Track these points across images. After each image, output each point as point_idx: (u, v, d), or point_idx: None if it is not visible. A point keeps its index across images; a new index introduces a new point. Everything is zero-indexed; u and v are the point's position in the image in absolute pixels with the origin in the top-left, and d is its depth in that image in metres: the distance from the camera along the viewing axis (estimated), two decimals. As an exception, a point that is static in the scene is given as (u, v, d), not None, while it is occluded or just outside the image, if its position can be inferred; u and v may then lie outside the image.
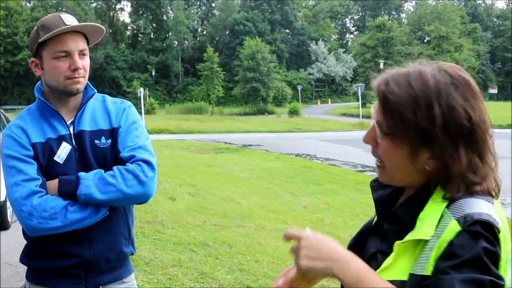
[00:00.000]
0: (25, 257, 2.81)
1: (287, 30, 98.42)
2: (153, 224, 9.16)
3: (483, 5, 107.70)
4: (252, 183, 15.81)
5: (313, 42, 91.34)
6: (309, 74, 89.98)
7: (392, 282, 1.51)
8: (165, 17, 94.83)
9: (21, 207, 2.55)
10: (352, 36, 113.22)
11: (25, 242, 2.85)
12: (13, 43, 71.05)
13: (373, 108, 1.67)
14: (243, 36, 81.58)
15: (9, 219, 9.69)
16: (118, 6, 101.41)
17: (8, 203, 9.11)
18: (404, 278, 1.51)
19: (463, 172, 1.56)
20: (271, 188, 15.24)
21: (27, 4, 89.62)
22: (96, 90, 2.85)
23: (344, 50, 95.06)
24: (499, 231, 1.47)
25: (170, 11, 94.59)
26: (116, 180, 2.61)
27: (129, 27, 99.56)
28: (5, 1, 72.22)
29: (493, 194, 1.62)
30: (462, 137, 1.55)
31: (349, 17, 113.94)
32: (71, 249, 2.68)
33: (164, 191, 12.50)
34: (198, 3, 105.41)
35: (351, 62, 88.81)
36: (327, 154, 24.32)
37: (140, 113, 36.30)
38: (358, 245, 1.81)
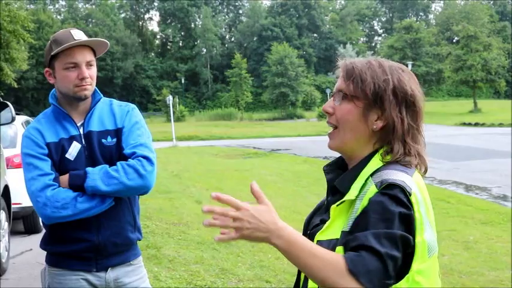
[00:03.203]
0: (44, 243, 3.20)
1: (315, 35, 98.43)
2: (178, 225, 9.45)
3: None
4: (278, 186, 15.98)
5: (341, 45, 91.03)
6: (338, 77, 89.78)
7: (330, 241, 1.80)
8: (193, 25, 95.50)
9: (37, 198, 2.93)
10: (380, 38, 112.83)
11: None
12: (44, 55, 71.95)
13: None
14: (271, 42, 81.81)
15: (41, 224, 10.05)
16: (147, 16, 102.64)
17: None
18: (338, 236, 1.79)
19: (404, 134, 1.88)
20: (297, 190, 15.40)
21: (58, 17, 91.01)
22: (102, 95, 3.21)
23: (372, 52, 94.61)
24: (410, 194, 1.74)
25: (198, 19, 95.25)
26: (118, 174, 2.96)
27: (158, 36, 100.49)
28: (36, 14, 73.26)
29: (419, 168, 1.93)
30: (405, 103, 1.89)
31: (377, 19, 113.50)
32: (82, 235, 3.04)
33: (191, 195, 12.79)
34: (225, 10, 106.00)
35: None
36: (354, 156, 24.32)
37: (169, 120, 36.61)
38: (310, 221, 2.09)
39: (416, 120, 1.91)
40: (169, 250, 7.77)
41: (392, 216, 1.70)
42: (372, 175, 1.83)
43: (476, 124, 43.43)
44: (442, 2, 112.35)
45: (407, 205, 1.73)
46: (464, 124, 44.12)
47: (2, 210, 7.77)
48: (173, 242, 8.30)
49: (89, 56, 3.06)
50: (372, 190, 1.76)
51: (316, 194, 14.44)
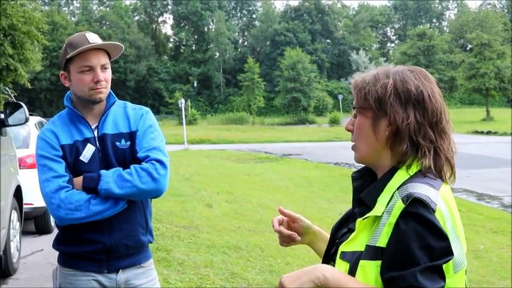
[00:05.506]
0: (56, 243, 3.24)
1: (328, 40, 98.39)
2: (188, 228, 9.47)
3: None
4: (289, 191, 15.97)
5: (354, 51, 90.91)
6: (350, 83, 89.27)
7: (353, 253, 1.82)
8: (206, 29, 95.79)
9: (50, 200, 2.97)
10: (393, 45, 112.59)
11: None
12: (58, 57, 71.47)
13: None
14: (284, 47, 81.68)
15: (52, 224, 10.11)
16: (160, 19, 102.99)
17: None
18: (362, 249, 1.80)
19: (413, 134, 1.84)
20: (308, 196, 15.38)
21: (72, 18, 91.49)
22: (117, 98, 3.24)
23: (385, 59, 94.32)
24: (434, 211, 1.73)
25: (211, 23, 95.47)
26: (132, 177, 2.99)
27: (171, 40, 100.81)
28: (50, 16, 73.57)
29: (445, 178, 1.90)
30: (411, 102, 1.85)
31: (390, 25, 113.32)
32: (94, 236, 3.07)
33: (201, 199, 12.81)
34: (239, 14, 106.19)
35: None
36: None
37: (181, 123, 36.68)
38: (339, 229, 2.09)
39: (432, 120, 1.86)
40: (179, 253, 7.79)
41: (430, 242, 1.70)
42: (398, 188, 1.81)
43: (488, 132, 43.18)
44: (456, 9, 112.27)
45: (433, 221, 1.72)
46: (476, 132, 43.87)
47: (13, 210, 7.81)
48: (183, 245, 8.31)
49: (103, 59, 3.08)
50: (398, 206, 1.75)
51: (327, 200, 14.44)
